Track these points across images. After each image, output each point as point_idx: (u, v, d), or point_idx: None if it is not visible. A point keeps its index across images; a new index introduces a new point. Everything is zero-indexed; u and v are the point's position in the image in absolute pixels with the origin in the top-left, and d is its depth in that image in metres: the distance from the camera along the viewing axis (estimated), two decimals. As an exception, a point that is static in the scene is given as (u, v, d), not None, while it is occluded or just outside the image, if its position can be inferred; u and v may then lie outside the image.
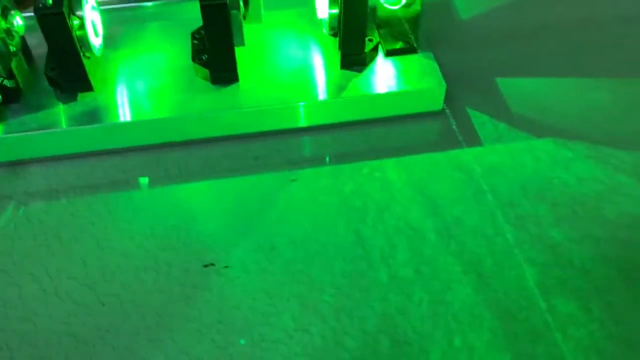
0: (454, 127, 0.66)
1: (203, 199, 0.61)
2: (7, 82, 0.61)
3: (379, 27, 0.69)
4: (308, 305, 0.52)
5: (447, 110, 0.68)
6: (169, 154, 0.64)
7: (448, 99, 0.68)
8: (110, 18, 0.71)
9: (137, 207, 0.60)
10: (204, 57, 0.64)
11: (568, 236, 0.56)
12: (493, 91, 0.70)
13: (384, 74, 0.66)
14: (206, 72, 0.64)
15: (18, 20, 0.61)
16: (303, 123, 0.65)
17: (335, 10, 0.63)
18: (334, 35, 0.66)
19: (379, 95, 0.65)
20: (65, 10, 0.57)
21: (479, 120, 0.67)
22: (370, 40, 0.67)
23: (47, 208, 0.60)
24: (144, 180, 0.62)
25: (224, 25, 0.60)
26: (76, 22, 0.59)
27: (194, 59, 0.65)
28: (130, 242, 0.57)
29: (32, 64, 0.67)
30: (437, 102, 0.66)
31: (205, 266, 0.55)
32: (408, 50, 0.68)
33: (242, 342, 0.50)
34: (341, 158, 0.63)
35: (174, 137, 0.64)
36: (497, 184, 0.60)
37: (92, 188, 0.61)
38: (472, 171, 0.62)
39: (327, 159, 0.64)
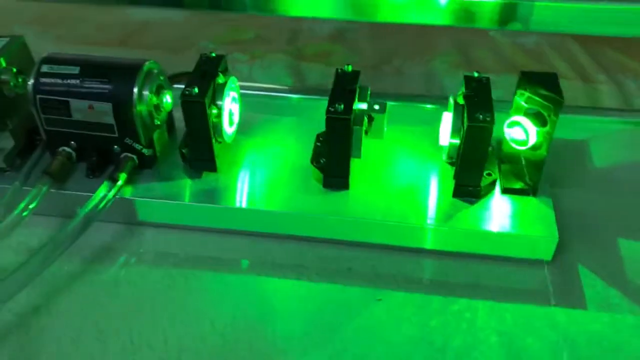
0: (559, 281, 0.63)
1: (289, 297, 0.62)
2: (145, 151, 0.68)
3: (501, 161, 0.68)
4: None
5: (557, 263, 0.64)
6: (270, 244, 0.67)
7: (561, 248, 0.65)
8: (251, 103, 0.76)
9: (227, 290, 0.63)
10: (321, 161, 0.67)
11: None
12: (613, 250, 0.66)
13: (496, 212, 0.64)
14: (320, 175, 0.66)
15: (167, 99, 0.68)
16: (403, 243, 0.65)
17: (456, 141, 0.63)
18: (451, 164, 0.65)
19: (486, 232, 0.63)
20: (206, 100, 0.62)
21: (589, 280, 0.63)
22: (489, 174, 0.66)
23: (148, 273, 0.64)
24: (240, 265, 0.65)
25: (344, 138, 0.62)
26: (214, 110, 0.64)
27: (312, 161, 0.68)
28: (211, 326, 0.59)
29: (172, 136, 0.74)
30: (546, 252, 0.63)
31: (273, 369, 0.56)
32: (526, 191, 0.66)
33: None
34: (435, 287, 0.62)
35: (278, 229, 0.66)
36: (592, 357, 0.56)
37: (194, 262, 0.65)
38: (568, 335, 0.58)
39: (420, 285, 0.62)
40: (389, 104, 0.75)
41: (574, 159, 0.78)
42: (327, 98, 0.84)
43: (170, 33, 1.18)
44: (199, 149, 0.67)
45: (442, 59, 1.13)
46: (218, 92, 0.65)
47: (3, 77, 0.68)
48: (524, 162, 0.66)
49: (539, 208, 0.65)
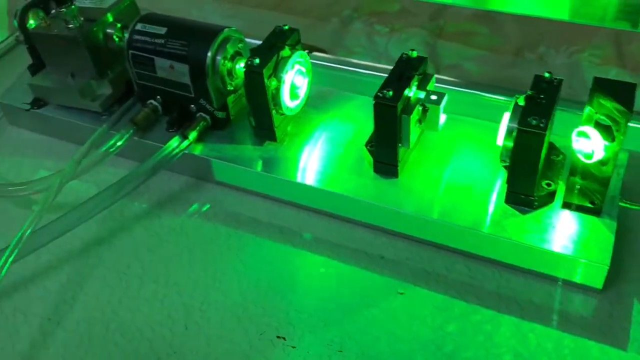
0: (606, 313, 0.57)
1: (314, 273, 0.64)
2: (217, 113, 0.72)
3: (571, 173, 0.62)
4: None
5: (612, 292, 0.58)
6: (313, 218, 0.68)
7: (623, 277, 0.59)
8: (329, 77, 0.77)
9: (260, 256, 0.66)
10: (374, 145, 0.66)
11: None
12: (684, 292, 0.58)
13: (547, 225, 0.59)
14: (371, 159, 0.66)
15: (242, 66, 0.71)
16: (441, 240, 0.63)
17: (510, 144, 0.59)
18: (505, 168, 0.61)
19: (529, 246, 0.59)
20: (265, 71, 0.64)
21: (641, 318, 0.56)
22: (548, 184, 0.61)
23: (199, 226, 0.69)
24: (280, 232, 0.67)
25: (391, 125, 0.61)
26: (274, 82, 0.66)
27: (366, 144, 0.67)
28: (237, 285, 0.63)
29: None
30: (596, 279, 0.57)
31: (278, 337, 0.58)
32: (588, 209, 0.60)
33: None
34: (462, 292, 0.60)
35: (322, 206, 0.68)
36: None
37: (240, 223, 0.69)
38: (592, 373, 0.53)
39: (448, 286, 0.60)
40: (463, 92, 0.71)
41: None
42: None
43: (320, -1, 1.20)
44: (259, 119, 0.69)
45: (593, 52, 1.03)
46: (281, 65, 0.67)
47: (108, 30, 0.76)
48: (591, 177, 0.60)
49: (598, 230, 0.59)
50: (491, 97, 0.79)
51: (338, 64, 0.86)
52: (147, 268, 0.66)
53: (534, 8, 0.83)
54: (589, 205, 0.60)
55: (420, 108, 0.62)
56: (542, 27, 1.08)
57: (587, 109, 0.58)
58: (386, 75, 0.76)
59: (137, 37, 0.71)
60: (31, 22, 0.78)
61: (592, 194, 0.60)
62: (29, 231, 0.61)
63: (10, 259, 0.59)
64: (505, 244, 0.60)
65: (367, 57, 1.16)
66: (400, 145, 0.63)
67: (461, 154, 0.68)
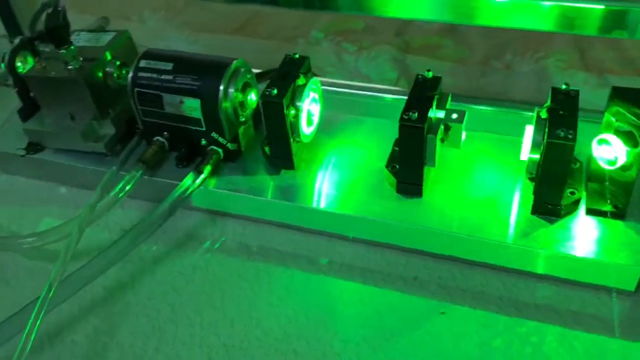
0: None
1: (351, 300, 0.63)
2: (229, 145, 0.71)
3: (589, 179, 0.64)
4: None
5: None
6: (340, 245, 0.68)
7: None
8: (338, 101, 0.77)
9: (292, 288, 0.65)
10: (396, 166, 0.67)
11: None
12: None
13: (576, 233, 0.61)
14: (394, 180, 0.66)
15: (252, 96, 0.70)
16: (474, 257, 0.64)
17: (536, 156, 0.60)
18: (532, 180, 0.63)
19: (562, 254, 0.60)
20: (285, 101, 0.64)
21: (674, 317, 0.58)
22: (572, 193, 0.63)
23: (223, 262, 0.68)
24: (309, 262, 0.66)
25: (417, 146, 0.61)
26: (292, 111, 0.66)
27: (387, 165, 0.67)
28: (275, 320, 0.62)
29: (259, 131, 0.76)
30: (629, 281, 0.59)
31: (326, 370, 0.57)
32: (613, 214, 0.61)
33: None
34: (503, 306, 0.60)
35: (348, 232, 0.67)
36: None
37: (266, 255, 0.68)
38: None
39: (486, 302, 0.61)
40: (475, 108, 0.73)
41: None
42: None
43: (285, 21, 1.20)
44: (277, 148, 0.69)
45: (557, 57, 1.07)
46: (298, 94, 0.66)
47: (107, 69, 0.74)
48: (612, 183, 0.62)
49: (625, 233, 0.61)
50: (492, 110, 0.81)
51: (337, 87, 0.86)
52: (178, 311, 0.64)
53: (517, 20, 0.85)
54: (613, 210, 0.62)
55: (443, 127, 0.63)
56: (504, 36, 1.11)
57: (606, 117, 0.60)
58: (381, 95, 0.77)
59: (142, 74, 0.70)
60: (19, 65, 0.76)
61: (615, 198, 0.62)
62: (56, 283, 0.58)
63: (42, 314, 0.56)
64: (538, 254, 0.61)
65: (339, 75, 1.17)
66: (425, 164, 0.63)
67: (477, 168, 0.69)
